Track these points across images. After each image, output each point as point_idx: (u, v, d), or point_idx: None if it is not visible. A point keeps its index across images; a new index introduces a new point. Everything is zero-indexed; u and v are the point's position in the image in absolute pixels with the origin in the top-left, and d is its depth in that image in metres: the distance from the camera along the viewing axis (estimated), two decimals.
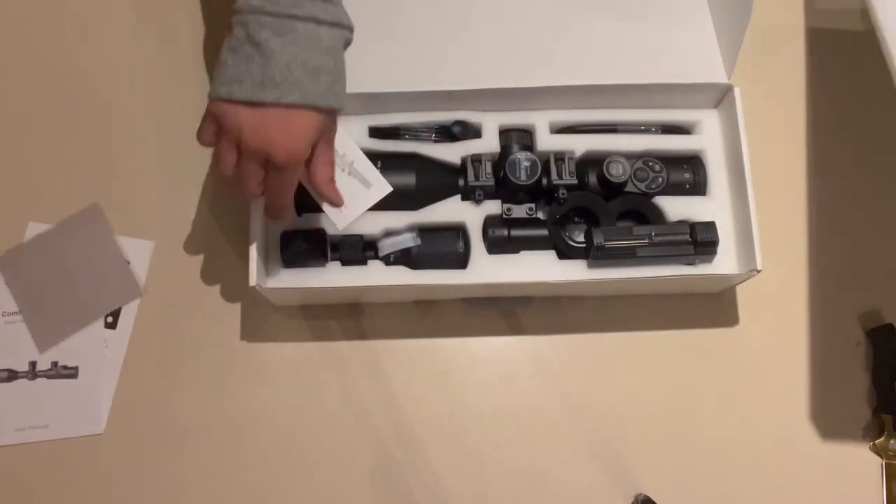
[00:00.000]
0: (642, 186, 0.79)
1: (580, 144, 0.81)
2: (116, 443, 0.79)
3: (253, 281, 0.74)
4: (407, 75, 0.81)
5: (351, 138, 0.80)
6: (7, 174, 0.87)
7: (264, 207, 0.73)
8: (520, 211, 0.79)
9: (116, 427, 0.80)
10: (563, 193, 0.78)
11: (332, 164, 0.71)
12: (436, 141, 0.83)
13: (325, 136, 0.69)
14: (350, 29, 0.67)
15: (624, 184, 0.79)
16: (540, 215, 0.79)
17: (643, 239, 0.76)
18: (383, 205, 0.78)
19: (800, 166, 0.88)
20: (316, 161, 0.69)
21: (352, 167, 0.78)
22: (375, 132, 0.82)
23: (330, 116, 0.67)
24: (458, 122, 0.82)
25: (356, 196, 0.78)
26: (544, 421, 0.81)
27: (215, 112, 0.65)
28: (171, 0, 0.92)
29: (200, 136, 0.67)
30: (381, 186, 0.77)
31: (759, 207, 0.76)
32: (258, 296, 0.77)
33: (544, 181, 0.79)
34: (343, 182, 0.78)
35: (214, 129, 0.66)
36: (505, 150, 0.81)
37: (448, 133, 0.82)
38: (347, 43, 0.68)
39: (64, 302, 0.83)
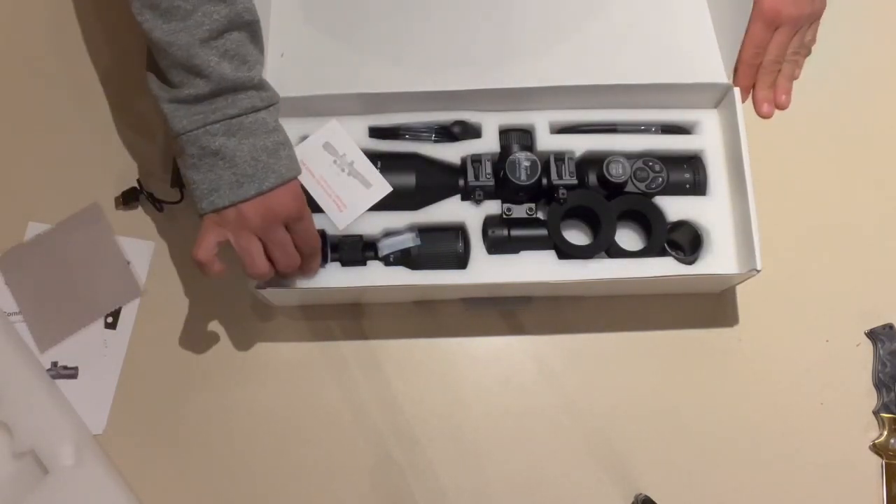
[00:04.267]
0: (642, 186, 0.79)
1: (580, 144, 0.81)
2: (116, 443, 0.79)
3: (253, 281, 0.74)
4: (407, 75, 0.81)
5: (351, 138, 0.80)
6: (7, 174, 0.87)
7: (302, 270, 0.75)
8: (520, 211, 0.79)
9: (116, 427, 0.80)
10: (563, 193, 0.78)
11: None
12: (436, 141, 0.83)
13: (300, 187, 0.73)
14: (278, 100, 0.72)
15: (624, 184, 0.79)
16: (540, 215, 0.79)
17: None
18: (383, 205, 0.78)
19: (800, 166, 0.88)
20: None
21: (352, 167, 0.78)
22: (375, 132, 0.82)
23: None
24: (458, 122, 0.82)
25: (356, 196, 0.78)
26: (544, 421, 0.81)
27: (218, 223, 0.69)
28: None
29: (198, 254, 0.69)
30: (381, 187, 0.78)
31: (759, 207, 0.76)
32: (258, 296, 0.77)
33: (544, 181, 0.79)
34: (343, 182, 0.78)
35: (214, 241, 0.69)
36: (505, 150, 0.81)
37: (448, 133, 0.82)
38: (278, 110, 0.73)
39: (64, 302, 0.83)
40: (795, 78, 0.89)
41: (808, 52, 0.89)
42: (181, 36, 0.66)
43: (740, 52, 0.84)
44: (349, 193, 0.78)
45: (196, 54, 0.66)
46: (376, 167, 0.79)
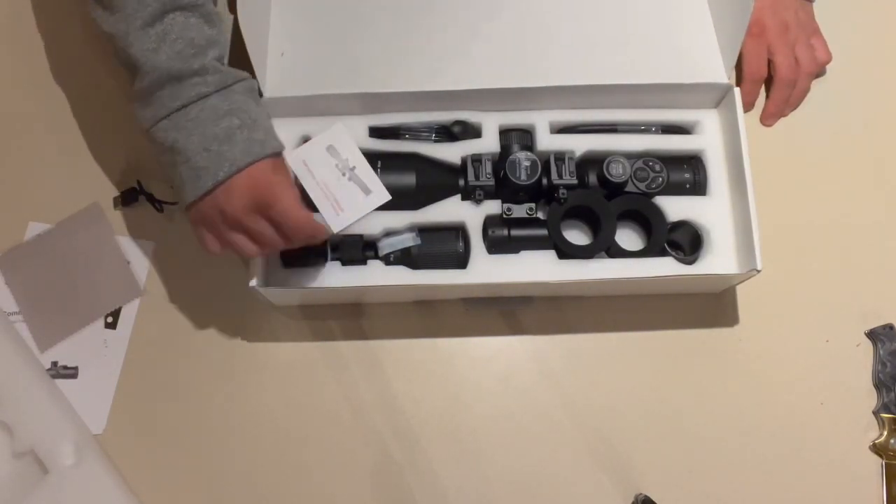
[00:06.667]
0: (642, 186, 0.79)
1: (580, 144, 0.81)
2: (116, 443, 0.79)
3: (253, 281, 0.74)
4: (407, 75, 0.81)
5: (354, 142, 0.80)
6: (7, 174, 0.87)
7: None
8: (520, 211, 0.79)
9: (116, 427, 0.80)
10: (563, 193, 0.78)
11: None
12: (436, 141, 0.83)
13: (280, 168, 0.70)
14: (241, 78, 0.69)
15: (624, 184, 0.79)
16: (540, 215, 0.79)
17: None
18: (383, 205, 0.78)
19: (800, 166, 0.88)
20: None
21: (352, 172, 0.78)
22: (375, 132, 0.82)
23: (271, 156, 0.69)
24: (458, 122, 0.82)
25: (354, 201, 0.78)
26: (544, 421, 0.81)
27: (197, 219, 0.68)
28: None
29: (207, 247, 0.69)
30: (381, 194, 0.78)
31: (759, 207, 0.76)
32: (258, 296, 0.77)
33: (544, 181, 0.79)
34: (343, 186, 0.78)
35: (208, 236, 0.69)
36: (505, 150, 0.81)
37: (448, 133, 0.82)
38: (249, 88, 0.70)
39: (64, 302, 0.83)
40: (807, 92, 0.89)
41: (821, 68, 0.90)
42: (120, 26, 0.66)
43: (741, 69, 0.86)
44: (348, 198, 0.78)
45: (131, 43, 0.65)
46: (377, 167, 0.79)
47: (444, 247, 0.79)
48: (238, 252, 0.69)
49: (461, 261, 0.79)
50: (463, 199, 0.80)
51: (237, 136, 0.66)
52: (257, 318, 0.83)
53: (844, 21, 0.91)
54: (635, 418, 0.81)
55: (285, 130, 0.80)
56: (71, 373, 0.81)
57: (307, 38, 0.84)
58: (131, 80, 0.68)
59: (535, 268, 0.78)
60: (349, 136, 0.80)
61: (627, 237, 0.82)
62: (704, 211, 0.80)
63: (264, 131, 0.69)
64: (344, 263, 0.78)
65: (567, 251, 0.78)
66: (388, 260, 0.79)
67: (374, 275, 0.78)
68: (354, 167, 0.79)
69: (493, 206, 0.80)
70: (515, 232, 0.79)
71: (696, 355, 0.83)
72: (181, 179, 0.67)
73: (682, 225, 0.80)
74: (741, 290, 0.84)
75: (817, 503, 0.79)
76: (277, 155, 0.69)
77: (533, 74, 0.81)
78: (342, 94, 0.80)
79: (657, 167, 0.80)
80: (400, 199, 0.78)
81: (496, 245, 0.79)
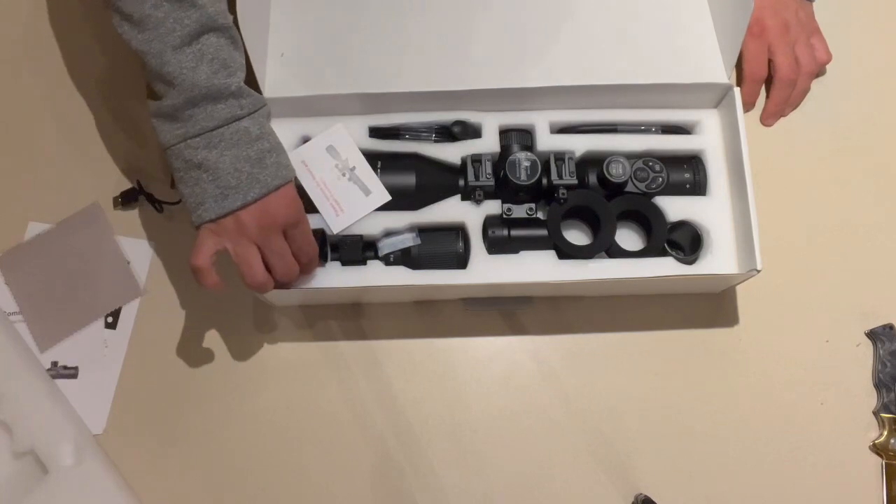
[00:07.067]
0: (642, 186, 0.79)
1: (580, 144, 0.81)
2: (116, 443, 0.79)
3: None
4: (407, 75, 0.81)
5: (354, 143, 0.80)
6: (7, 174, 0.87)
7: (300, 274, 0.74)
8: (520, 211, 0.79)
9: (116, 427, 0.80)
10: (563, 193, 0.78)
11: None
12: (436, 141, 0.83)
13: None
14: (264, 104, 0.71)
15: (624, 184, 0.79)
16: (540, 215, 0.79)
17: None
18: (383, 205, 0.78)
19: (800, 166, 0.88)
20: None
21: (352, 173, 0.78)
22: (375, 132, 0.82)
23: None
24: (458, 122, 0.82)
25: (354, 202, 0.78)
26: (544, 421, 0.81)
27: (215, 232, 0.69)
28: None
29: (196, 260, 0.69)
30: (381, 195, 0.78)
31: (759, 207, 0.76)
32: (258, 296, 0.77)
33: (544, 181, 0.79)
34: (343, 187, 0.78)
35: (211, 249, 0.69)
36: (505, 150, 0.81)
37: (448, 133, 0.82)
38: (268, 114, 0.72)
39: (64, 302, 0.83)
40: (807, 92, 0.89)
41: (821, 68, 0.90)
42: (154, 45, 0.67)
43: (742, 69, 0.85)
44: (348, 198, 0.78)
45: (168, 62, 0.66)
46: (377, 167, 0.79)
47: (444, 247, 0.79)
48: (245, 268, 0.70)
49: (461, 261, 0.79)
50: (463, 199, 0.80)
51: (267, 159, 0.70)
52: (257, 318, 0.83)
53: (844, 21, 0.91)
54: (635, 418, 0.81)
55: (285, 130, 0.80)
56: (71, 373, 0.81)
57: (307, 38, 0.84)
58: (158, 95, 0.68)
59: (535, 268, 0.78)
60: (349, 136, 0.80)
61: (627, 237, 0.82)
62: (704, 211, 0.80)
63: (286, 157, 0.72)
64: (344, 263, 0.78)
65: (567, 251, 0.78)
66: (388, 260, 0.79)
67: (374, 275, 0.78)
68: (354, 167, 0.79)
69: (493, 206, 0.80)
70: (515, 232, 0.79)
71: (696, 355, 0.83)
72: (203, 196, 0.68)
73: (682, 225, 0.80)
74: (741, 290, 0.84)
75: (817, 503, 0.79)
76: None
77: (533, 74, 0.81)
78: (342, 94, 0.80)
79: (657, 167, 0.80)
80: (400, 199, 0.78)
81: (496, 245, 0.79)
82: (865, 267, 0.85)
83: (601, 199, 0.79)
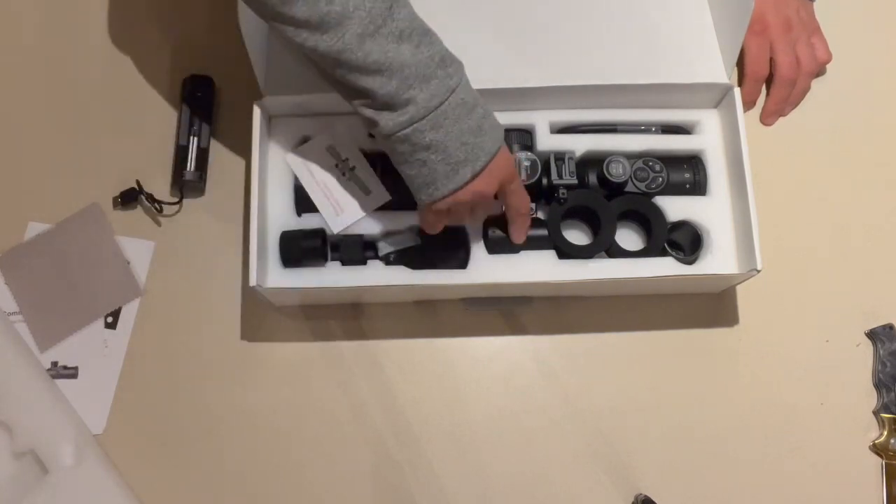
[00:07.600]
0: (642, 186, 0.79)
1: (580, 144, 0.81)
2: (116, 443, 0.79)
3: (253, 281, 0.74)
4: None
5: (354, 142, 0.80)
6: (7, 174, 0.87)
7: (514, 231, 0.76)
8: None
9: (116, 427, 0.80)
10: (563, 193, 0.78)
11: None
12: None
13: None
14: (460, 61, 0.68)
15: (624, 184, 0.79)
16: (540, 215, 0.79)
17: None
18: (383, 205, 0.78)
19: (800, 166, 0.88)
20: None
21: (352, 172, 0.78)
22: None
23: None
24: None
25: (354, 202, 0.78)
26: (544, 421, 0.81)
27: (445, 206, 0.69)
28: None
29: (433, 228, 0.73)
30: (380, 195, 0.78)
31: (759, 207, 0.76)
32: (258, 296, 0.77)
33: (544, 181, 0.79)
34: (343, 187, 0.78)
35: (444, 222, 0.73)
36: None
37: None
38: (464, 73, 0.69)
39: (64, 302, 0.83)
40: (807, 91, 0.89)
41: (821, 67, 0.90)
42: (347, 38, 0.62)
43: (744, 67, 0.85)
44: (348, 198, 0.78)
45: (369, 50, 0.63)
46: (377, 167, 0.79)
47: (444, 247, 0.79)
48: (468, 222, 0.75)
49: (461, 261, 0.78)
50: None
51: (485, 125, 0.68)
52: (257, 318, 0.83)
53: (844, 21, 0.91)
54: (635, 418, 0.81)
55: (285, 130, 0.80)
56: (71, 373, 0.81)
57: None
58: (372, 88, 0.64)
59: (535, 268, 0.78)
60: (349, 136, 0.80)
61: (627, 237, 0.82)
62: (704, 211, 0.80)
63: (493, 115, 0.70)
64: (344, 263, 0.78)
65: (567, 251, 0.78)
66: (388, 260, 0.79)
67: (374, 275, 0.78)
68: (354, 167, 0.79)
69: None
70: None
71: (696, 355, 0.83)
72: (433, 175, 0.67)
73: (682, 225, 0.80)
74: (741, 290, 0.84)
75: (817, 503, 0.79)
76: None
77: (533, 74, 0.80)
78: None
79: (657, 167, 0.80)
80: (400, 199, 0.78)
81: (496, 245, 0.79)
82: (865, 267, 0.85)
83: (601, 199, 0.79)
